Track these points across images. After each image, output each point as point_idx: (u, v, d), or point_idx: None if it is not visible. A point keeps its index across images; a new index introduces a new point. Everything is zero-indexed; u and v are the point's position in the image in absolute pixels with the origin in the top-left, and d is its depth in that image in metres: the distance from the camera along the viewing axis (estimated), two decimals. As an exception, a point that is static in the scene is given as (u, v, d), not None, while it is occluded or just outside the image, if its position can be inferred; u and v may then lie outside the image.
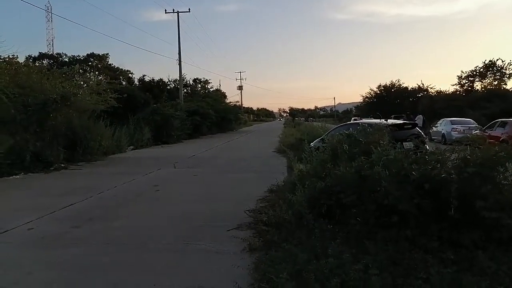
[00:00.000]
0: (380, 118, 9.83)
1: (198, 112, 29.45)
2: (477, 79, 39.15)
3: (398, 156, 4.37)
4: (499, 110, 24.68)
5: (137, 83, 36.19)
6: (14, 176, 10.24)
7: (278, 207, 5.49)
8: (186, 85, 44.41)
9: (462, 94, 38.33)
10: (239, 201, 6.63)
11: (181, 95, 33.86)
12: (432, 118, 27.18)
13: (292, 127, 35.94)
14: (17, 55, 15.11)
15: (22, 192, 8.43)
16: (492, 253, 3.54)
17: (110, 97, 16.03)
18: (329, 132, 11.24)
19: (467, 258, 3.50)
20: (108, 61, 41.79)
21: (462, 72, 39.60)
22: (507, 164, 3.89)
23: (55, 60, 38.94)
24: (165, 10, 34.73)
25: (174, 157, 14.74)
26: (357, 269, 3.29)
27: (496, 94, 30.98)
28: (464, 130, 18.22)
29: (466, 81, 39.51)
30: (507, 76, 37.44)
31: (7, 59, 13.60)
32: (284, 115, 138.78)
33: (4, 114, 11.23)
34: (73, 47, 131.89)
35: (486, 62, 37.95)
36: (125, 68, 41.78)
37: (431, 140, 20.27)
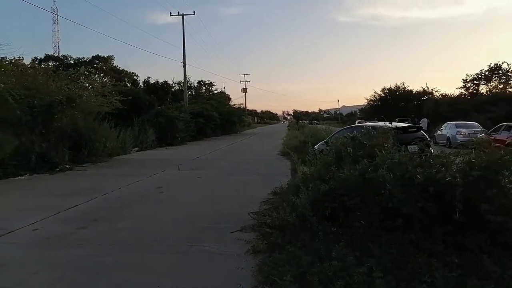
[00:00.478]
0: (384, 121, 9.79)
1: (202, 114, 29.53)
2: (482, 83, 38.97)
3: (402, 159, 4.35)
4: (504, 113, 24.53)
5: (142, 85, 36.38)
6: (19, 177, 10.32)
7: (282, 209, 5.49)
8: (190, 87, 44.53)
9: (467, 97, 38.14)
10: (243, 203, 6.63)
11: (185, 97, 33.95)
12: (436, 121, 27.04)
13: (296, 130, 35.91)
14: (23, 57, 15.26)
15: (27, 192, 8.48)
16: (497, 257, 3.51)
17: (115, 99, 16.13)
18: (333, 134, 11.22)
19: (472, 262, 3.48)
20: (113, 63, 42.06)
21: (468, 75, 39.48)
22: (512, 167, 3.87)
23: (61, 62, 39.24)
24: (170, 13, 34.89)
25: (178, 159, 14.77)
26: (361, 272, 3.28)
27: (501, 98, 30.80)
28: (469, 133, 18.12)
29: (471, 85, 39.34)
30: (513, 79, 37.24)
31: (13, 61, 13.71)
32: (288, 117, 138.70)
33: (10, 115, 11.32)
34: (78, 49, 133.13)
35: (491, 66, 37.80)
36: (130, 70, 42.04)
37: (436, 143, 20.17)
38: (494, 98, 31.77)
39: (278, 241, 4.36)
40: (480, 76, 38.65)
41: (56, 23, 54.75)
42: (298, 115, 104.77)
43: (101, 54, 41.15)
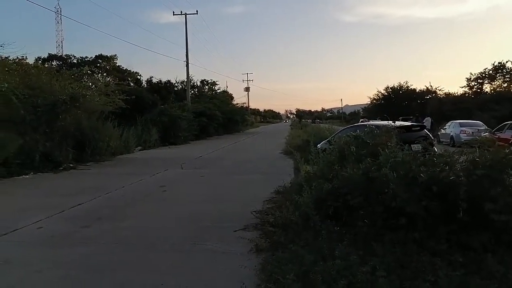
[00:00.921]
0: (387, 120, 9.76)
1: (205, 113, 29.57)
2: (486, 81, 38.71)
3: (406, 158, 4.34)
4: (508, 112, 24.38)
5: (145, 84, 36.43)
6: (23, 176, 10.37)
7: (285, 208, 5.49)
8: (193, 87, 44.55)
9: (471, 96, 37.93)
10: (246, 202, 6.63)
11: (188, 96, 33.98)
12: (440, 120, 26.93)
13: (299, 129, 35.88)
14: (26, 56, 15.33)
15: (32, 191, 8.53)
16: (501, 257, 3.50)
17: (119, 98, 16.18)
18: (336, 133, 11.20)
19: (476, 261, 3.46)
20: (116, 63, 42.11)
21: (471, 74, 39.22)
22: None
23: (64, 61, 39.32)
24: (173, 12, 34.92)
25: (181, 158, 14.80)
26: (364, 271, 3.27)
27: (505, 97, 30.62)
28: (473, 132, 18.04)
29: (475, 83, 39.09)
30: (517, 78, 36.98)
31: (17, 61, 13.78)
32: (291, 116, 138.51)
33: (14, 114, 11.38)
34: (82, 48, 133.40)
35: (495, 64, 37.55)
36: (133, 69, 42.01)
37: (440, 142, 20.08)
38: (498, 97, 31.55)
39: (281, 240, 4.36)
40: (484, 75, 38.41)
41: (60, 22, 54.86)
42: (301, 114, 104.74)
43: (104, 53, 41.18)
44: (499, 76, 37.74)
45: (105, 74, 37.03)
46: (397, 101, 45.81)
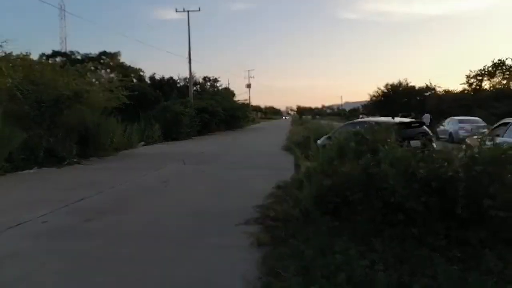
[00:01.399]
0: (387, 117, 9.78)
1: (207, 109, 29.59)
2: (485, 78, 38.45)
3: (405, 154, 4.37)
4: (508, 109, 24.26)
5: (148, 80, 36.47)
6: (28, 171, 10.46)
7: (286, 203, 5.55)
8: (195, 83, 44.56)
9: (470, 93, 37.72)
10: (247, 197, 6.69)
11: (190, 92, 34.00)
12: (439, 117, 26.87)
13: (299, 125, 35.86)
14: (30, 53, 15.37)
15: (36, 186, 8.61)
16: (499, 252, 3.53)
17: (122, 94, 16.22)
18: (336, 130, 11.22)
19: (474, 256, 3.50)
20: (119, 59, 42.17)
21: (471, 71, 38.92)
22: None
23: (68, 57, 39.35)
24: (176, 9, 34.88)
25: (183, 153, 14.88)
26: (363, 265, 3.32)
27: (505, 94, 30.46)
28: (471, 128, 17.99)
29: (475, 80, 38.84)
30: (516, 75, 36.74)
31: (21, 57, 13.83)
32: (292, 113, 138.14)
33: (18, 110, 11.47)
34: (85, 45, 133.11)
35: (495, 61, 37.30)
36: (136, 66, 42.07)
37: (438, 138, 20.10)
38: (497, 94, 31.40)
39: (281, 234, 4.41)
40: (483, 72, 38.13)
41: (63, 18, 54.84)
42: (302, 111, 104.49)
43: (107, 50, 41.30)
44: (498, 73, 37.47)
45: (108, 70, 37.12)
46: (397, 98, 45.60)
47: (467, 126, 18.84)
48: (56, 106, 12.19)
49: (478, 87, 38.10)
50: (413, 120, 11.63)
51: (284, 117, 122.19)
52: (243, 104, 49.80)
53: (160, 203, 6.79)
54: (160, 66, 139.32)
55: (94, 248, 4.44)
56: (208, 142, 21.41)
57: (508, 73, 36.82)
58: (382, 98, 47.76)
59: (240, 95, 66.13)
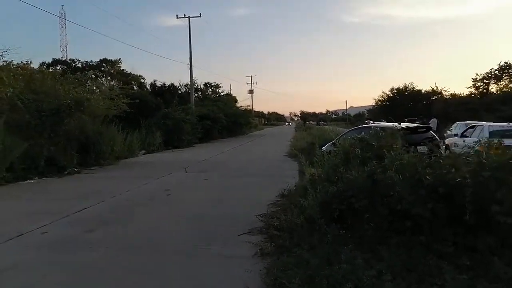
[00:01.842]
0: (393, 122, 9.71)
1: (209, 116, 29.59)
2: (492, 82, 38.43)
3: (411, 160, 4.31)
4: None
5: (149, 88, 36.52)
6: (28, 181, 10.42)
7: (290, 211, 5.47)
8: (197, 90, 44.65)
9: (477, 97, 37.66)
10: (250, 206, 6.62)
11: (192, 99, 34.06)
12: (446, 121, 26.75)
13: (303, 131, 35.83)
14: (31, 61, 15.43)
15: (36, 196, 8.56)
16: (508, 259, 3.46)
17: (123, 102, 16.24)
18: (341, 136, 11.16)
19: (483, 264, 3.43)
20: (120, 67, 42.32)
21: (477, 74, 38.91)
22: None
23: (69, 66, 39.54)
24: (177, 15, 35.06)
25: (185, 161, 14.83)
26: (370, 275, 3.26)
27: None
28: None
29: (481, 84, 38.82)
30: (524, 78, 36.66)
31: (22, 65, 13.88)
32: (295, 118, 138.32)
33: (19, 119, 11.46)
34: (86, 53, 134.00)
35: (501, 64, 37.28)
36: (137, 73, 42.18)
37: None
38: (504, 97, 31.30)
39: (286, 243, 4.34)
40: (490, 75, 38.12)
41: (64, 27, 55.27)
42: (305, 116, 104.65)
43: (108, 57, 41.42)
44: (505, 76, 37.43)
45: (109, 78, 37.22)
46: (403, 102, 45.56)
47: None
48: (57, 115, 12.18)
49: (485, 91, 38.02)
50: (419, 125, 11.57)
51: (287, 124, 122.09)
52: (245, 110, 49.82)
53: (162, 212, 6.72)
54: (161, 72, 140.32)
55: (95, 259, 4.37)
56: (210, 150, 21.37)
57: (515, 76, 36.73)
58: (388, 103, 47.71)
59: (243, 101, 66.08)
